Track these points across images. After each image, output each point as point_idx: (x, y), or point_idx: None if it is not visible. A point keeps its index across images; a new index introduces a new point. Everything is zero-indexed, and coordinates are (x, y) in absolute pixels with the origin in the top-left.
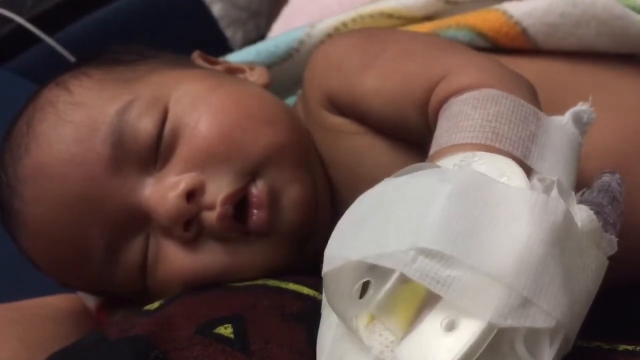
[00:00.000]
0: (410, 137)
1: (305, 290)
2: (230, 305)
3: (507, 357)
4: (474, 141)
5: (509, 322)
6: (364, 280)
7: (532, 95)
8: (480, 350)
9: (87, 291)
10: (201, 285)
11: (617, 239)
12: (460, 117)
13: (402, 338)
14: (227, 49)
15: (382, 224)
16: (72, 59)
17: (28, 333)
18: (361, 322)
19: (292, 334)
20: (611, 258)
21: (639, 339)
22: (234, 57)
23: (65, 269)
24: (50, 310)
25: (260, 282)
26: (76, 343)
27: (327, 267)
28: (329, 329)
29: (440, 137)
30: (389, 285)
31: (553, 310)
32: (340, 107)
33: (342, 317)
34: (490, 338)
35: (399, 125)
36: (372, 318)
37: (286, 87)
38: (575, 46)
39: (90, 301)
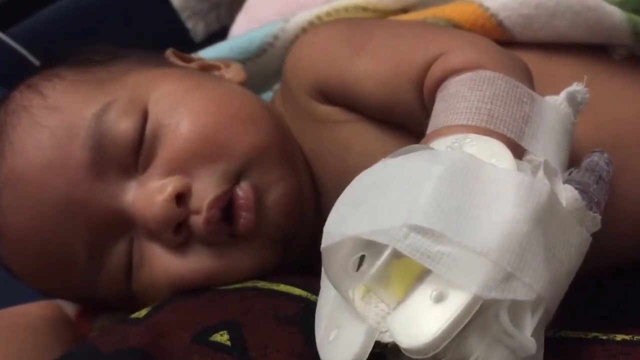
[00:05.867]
0: (404, 119)
1: (297, 291)
2: (223, 310)
3: (492, 327)
4: (469, 123)
5: (493, 295)
6: (359, 254)
7: (526, 75)
8: (466, 320)
9: (69, 299)
10: (189, 290)
11: (600, 217)
12: (457, 98)
13: (395, 309)
14: (187, 40)
15: (377, 202)
16: (26, 54)
17: (9, 345)
18: (357, 294)
19: (290, 337)
20: (602, 244)
21: (635, 327)
22: (207, 53)
23: (47, 278)
24: (29, 320)
25: (249, 284)
26: (66, 357)
27: (325, 242)
28: (327, 300)
29: (437, 117)
30: (382, 259)
31: (535, 284)
32: (331, 96)
33: (339, 289)
34: (475, 309)
35: (394, 107)
36: (368, 291)
37: (261, 83)
38: (550, 37)
39: (69, 307)
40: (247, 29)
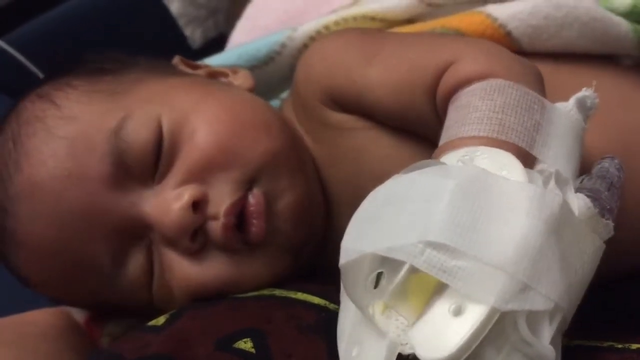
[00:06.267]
0: (418, 127)
1: (316, 300)
2: (243, 318)
3: (510, 337)
4: (481, 134)
5: (510, 306)
6: (377, 271)
7: (537, 81)
8: (485, 332)
9: (83, 306)
10: (206, 297)
11: (613, 224)
12: (468, 109)
13: (415, 323)
14: (185, 47)
15: (393, 218)
16: (23, 60)
17: (21, 352)
18: (377, 310)
19: (313, 346)
20: (613, 251)
21: None
22: (214, 61)
23: (63, 284)
24: (40, 327)
25: (267, 292)
26: None
27: (343, 259)
28: (347, 316)
29: (450, 129)
30: (400, 276)
31: (551, 294)
32: (344, 103)
33: (359, 306)
34: (494, 321)
35: (407, 114)
36: (387, 305)
37: (268, 91)
38: (557, 47)
39: (77, 314)
40: (249, 36)
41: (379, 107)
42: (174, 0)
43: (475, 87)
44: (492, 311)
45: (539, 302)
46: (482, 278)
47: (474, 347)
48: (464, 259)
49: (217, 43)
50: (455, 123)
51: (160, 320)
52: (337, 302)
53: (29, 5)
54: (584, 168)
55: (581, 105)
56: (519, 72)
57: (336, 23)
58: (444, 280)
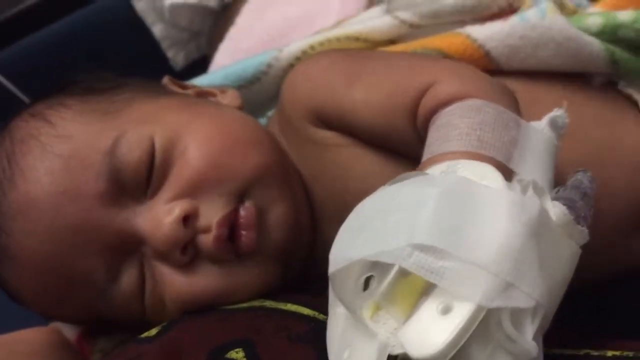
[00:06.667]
0: (400, 146)
1: (306, 311)
2: (234, 329)
3: (494, 335)
4: (461, 149)
5: (495, 304)
6: (367, 275)
7: (511, 101)
8: (472, 329)
9: (75, 322)
10: (197, 309)
11: (588, 230)
12: (448, 128)
13: (404, 323)
14: (169, 69)
15: (380, 225)
16: (6, 83)
17: None
18: (367, 313)
19: (304, 356)
20: (587, 259)
21: (627, 340)
22: (201, 81)
23: (58, 301)
24: (32, 346)
25: (257, 303)
26: None
27: (332, 268)
28: (337, 323)
29: (431, 146)
30: (390, 277)
31: (533, 293)
32: (329, 122)
33: (350, 309)
34: (480, 318)
35: (390, 135)
36: (376, 309)
37: (255, 109)
38: (534, 66)
39: (68, 331)
40: (232, 58)
41: (362, 127)
42: (157, 23)
43: (454, 107)
44: (478, 309)
45: (522, 300)
46: (468, 277)
47: (461, 343)
48: (451, 259)
49: (200, 65)
50: (437, 140)
51: (152, 332)
52: (327, 312)
53: (11, 29)
54: (558, 181)
55: (553, 124)
56: (494, 92)
57: (321, 43)
58: (432, 280)
